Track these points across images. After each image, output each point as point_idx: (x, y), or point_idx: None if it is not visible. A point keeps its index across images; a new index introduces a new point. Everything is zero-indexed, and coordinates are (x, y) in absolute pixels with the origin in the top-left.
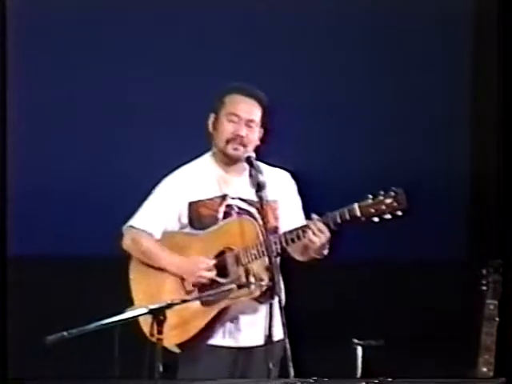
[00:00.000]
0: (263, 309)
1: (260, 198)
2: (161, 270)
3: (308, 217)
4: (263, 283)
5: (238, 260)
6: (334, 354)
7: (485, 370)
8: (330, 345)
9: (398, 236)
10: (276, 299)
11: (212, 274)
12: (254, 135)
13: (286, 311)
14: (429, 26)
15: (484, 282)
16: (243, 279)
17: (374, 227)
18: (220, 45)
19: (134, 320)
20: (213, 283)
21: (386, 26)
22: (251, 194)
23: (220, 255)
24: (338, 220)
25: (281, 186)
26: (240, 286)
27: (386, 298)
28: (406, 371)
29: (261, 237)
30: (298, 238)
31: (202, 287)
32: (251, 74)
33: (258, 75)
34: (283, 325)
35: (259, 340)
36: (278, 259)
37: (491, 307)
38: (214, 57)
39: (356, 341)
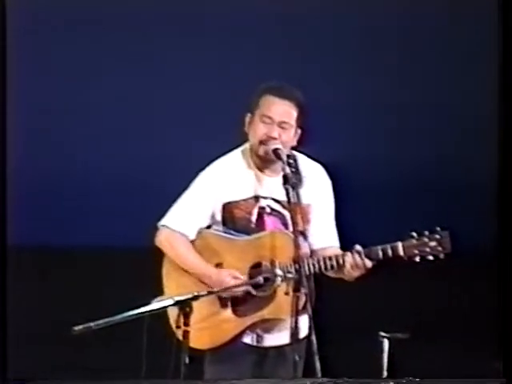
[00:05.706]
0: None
1: (287, 190)
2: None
3: (345, 245)
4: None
5: (273, 273)
6: (361, 347)
7: None
8: (356, 338)
9: None
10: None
11: (242, 290)
12: (288, 136)
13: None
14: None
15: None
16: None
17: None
18: (260, 43)
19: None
20: (247, 295)
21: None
22: (284, 195)
23: (255, 267)
24: (380, 257)
25: (316, 188)
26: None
27: (412, 290)
28: (431, 363)
29: (296, 253)
30: (338, 265)
31: (235, 298)
32: (291, 72)
33: (299, 74)
34: (309, 318)
35: (286, 338)
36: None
37: None
38: (254, 54)
39: (382, 334)
